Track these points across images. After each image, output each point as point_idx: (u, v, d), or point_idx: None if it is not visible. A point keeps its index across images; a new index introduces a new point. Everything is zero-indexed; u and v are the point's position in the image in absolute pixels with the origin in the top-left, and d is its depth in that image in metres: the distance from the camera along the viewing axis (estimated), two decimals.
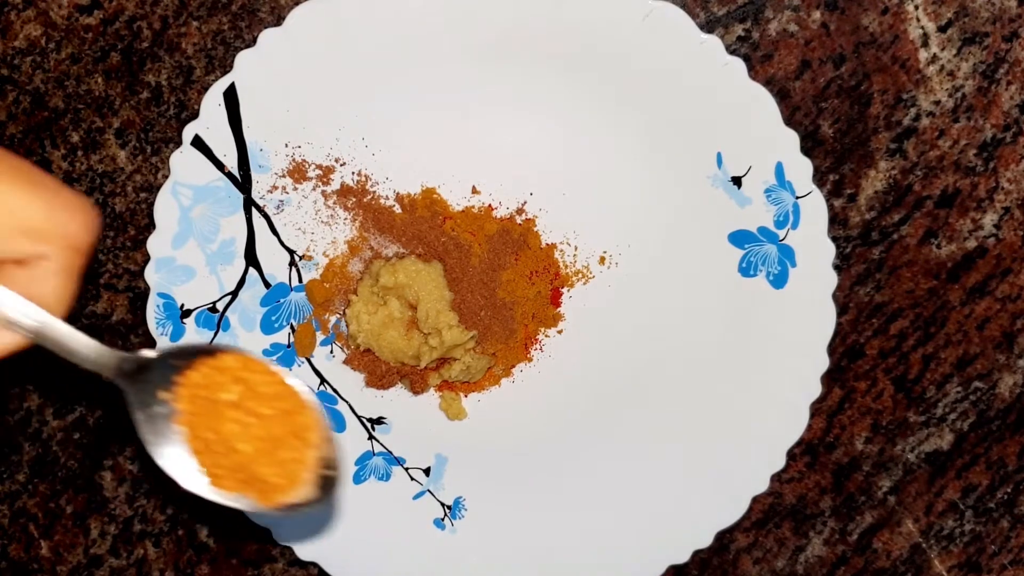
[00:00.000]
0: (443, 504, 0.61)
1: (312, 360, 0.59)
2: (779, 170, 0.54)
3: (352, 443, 0.60)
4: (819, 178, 0.57)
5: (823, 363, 0.57)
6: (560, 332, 0.59)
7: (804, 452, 0.62)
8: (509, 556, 0.61)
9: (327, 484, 0.38)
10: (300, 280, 0.58)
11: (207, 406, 0.37)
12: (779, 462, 0.58)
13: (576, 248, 0.58)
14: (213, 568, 0.64)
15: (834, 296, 0.56)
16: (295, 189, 0.57)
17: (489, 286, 0.57)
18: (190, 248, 0.56)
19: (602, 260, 0.58)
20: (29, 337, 0.33)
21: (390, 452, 0.61)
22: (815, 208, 0.55)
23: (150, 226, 0.57)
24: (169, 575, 0.64)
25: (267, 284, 0.58)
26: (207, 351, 0.37)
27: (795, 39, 0.56)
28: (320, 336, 0.59)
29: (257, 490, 0.38)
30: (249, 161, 0.55)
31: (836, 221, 0.58)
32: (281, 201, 0.57)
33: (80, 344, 0.34)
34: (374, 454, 0.60)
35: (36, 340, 0.33)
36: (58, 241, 0.31)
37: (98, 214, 0.32)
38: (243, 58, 0.53)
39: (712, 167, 0.56)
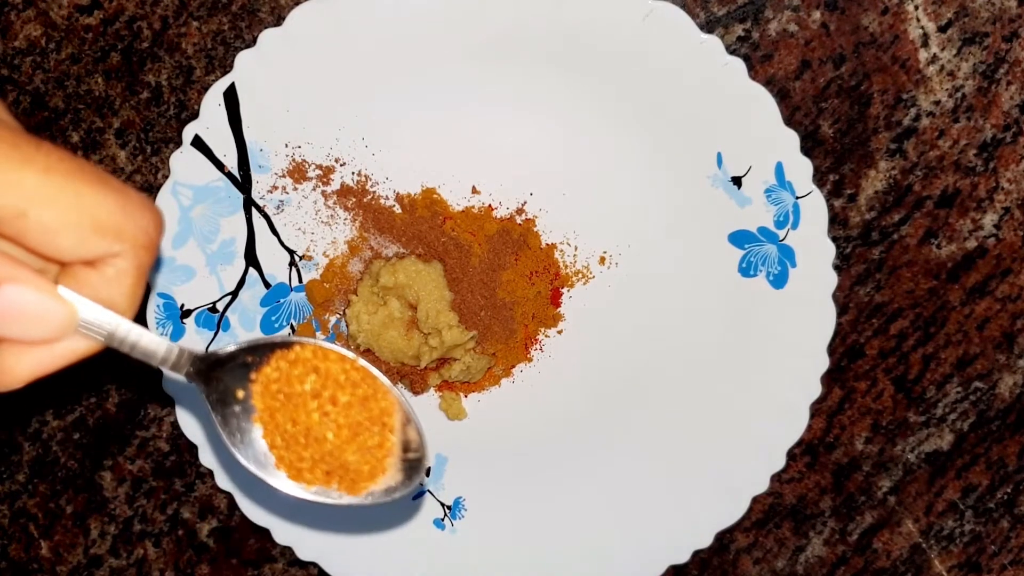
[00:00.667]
0: (443, 504, 0.61)
1: None
2: (779, 170, 0.54)
3: None
4: (819, 178, 0.57)
5: (823, 363, 0.57)
6: (560, 332, 0.59)
7: (804, 452, 0.62)
8: (509, 556, 0.61)
9: (412, 467, 0.38)
10: (300, 280, 0.58)
11: (284, 399, 0.37)
12: (779, 462, 0.58)
13: (576, 248, 0.58)
14: (213, 568, 0.64)
15: (834, 296, 0.56)
16: (295, 189, 0.57)
17: (489, 286, 0.57)
18: (190, 248, 0.56)
19: (602, 260, 0.58)
20: (102, 341, 0.32)
21: None
22: (815, 208, 0.55)
23: None
24: (169, 575, 0.64)
25: (267, 284, 0.58)
26: (280, 344, 0.36)
27: (795, 39, 0.56)
28: (320, 336, 0.59)
29: (342, 480, 0.38)
30: (249, 161, 0.55)
31: (836, 221, 0.58)
32: (281, 201, 0.57)
33: (155, 345, 0.33)
34: None
35: (109, 344, 0.32)
36: (131, 239, 0.30)
37: (162, 213, 0.32)
38: (243, 58, 0.53)
39: (712, 167, 0.56)
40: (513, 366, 0.60)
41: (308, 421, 0.37)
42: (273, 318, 0.58)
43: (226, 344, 0.36)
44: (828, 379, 0.59)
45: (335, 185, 0.57)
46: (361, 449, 0.38)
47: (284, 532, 0.59)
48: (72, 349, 0.32)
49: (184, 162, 0.54)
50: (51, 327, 0.30)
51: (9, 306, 0.29)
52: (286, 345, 0.37)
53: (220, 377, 0.36)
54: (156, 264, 0.55)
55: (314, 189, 0.57)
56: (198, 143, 0.54)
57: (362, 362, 0.38)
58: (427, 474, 0.61)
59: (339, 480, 0.38)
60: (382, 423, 0.38)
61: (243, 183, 0.56)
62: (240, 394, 0.36)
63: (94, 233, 0.30)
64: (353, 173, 0.57)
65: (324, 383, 0.37)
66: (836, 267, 0.57)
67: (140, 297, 0.33)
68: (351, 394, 0.37)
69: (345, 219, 0.57)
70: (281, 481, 0.37)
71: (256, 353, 0.36)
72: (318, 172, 0.56)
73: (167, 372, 0.34)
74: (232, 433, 0.36)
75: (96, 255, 0.30)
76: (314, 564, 0.62)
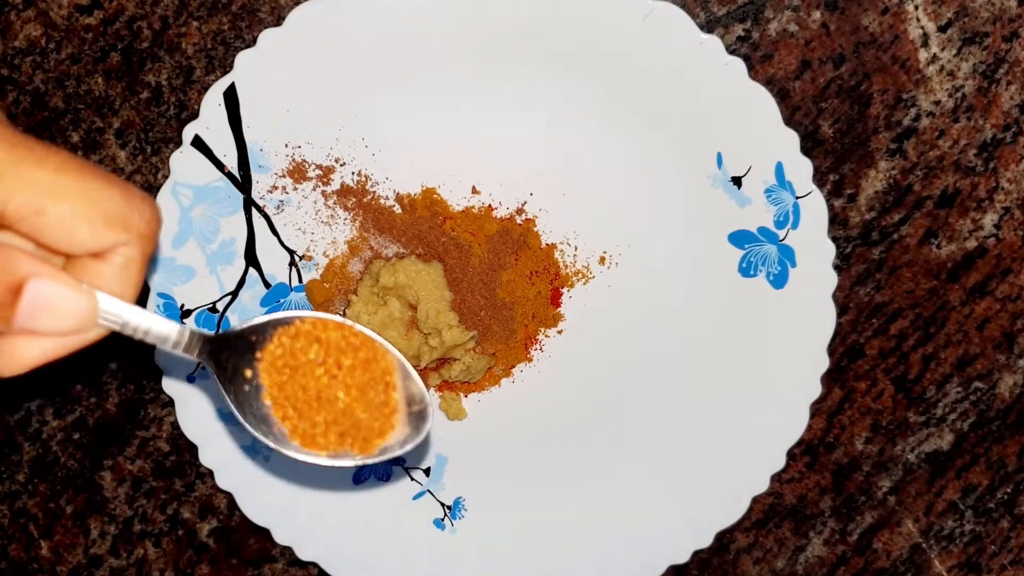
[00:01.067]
0: (443, 504, 0.61)
1: None
2: (779, 170, 0.54)
3: None
4: (819, 178, 0.57)
5: (823, 363, 0.57)
6: (560, 332, 0.59)
7: (804, 452, 0.62)
8: (509, 556, 0.61)
9: (418, 418, 0.40)
10: (300, 280, 0.58)
11: (291, 372, 0.38)
12: (779, 462, 0.58)
13: (576, 248, 0.58)
14: (213, 568, 0.64)
15: (834, 296, 0.56)
16: (295, 189, 0.57)
17: (489, 286, 0.57)
18: (190, 248, 0.56)
19: (602, 260, 0.58)
20: (116, 329, 0.33)
21: None
22: (815, 208, 0.55)
23: None
24: (169, 575, 0.64)
25: (267, 284, 0.58)
26: (281, 321, 0.38)
27: (795, 39, 0.56)
28: None
29: (354, 439, 0.39)
30: (249, 161, 0.55)
31: (836, 221, 0.58)
32: (281, 201, 0.57)
33: (168, 329, 0.35)
34: None
35: (122, 331, 0.34)
36: (136, 229, 0.32)
37: (159, 205, 0.33)
38: (243, 58, 0.53)
39: (712, 167, 0.56)
40: (513, 366, 0.60)
41: (318, 385, 0.38)
42: None
43: (239, 324, 0.38)
44: (828, 379, 0.59)
45: (335, 185, 0.57)
46: (369, 407, 0.39)
47: (284, 532, 0.59)
48: (83, 337, 0.33)
49: (184, 162, 0.54)
50: (77, 319, 0.32)
51: (36, 300, 0.31)
52: (287, 322, 0.38)
53: (229, 357, 0.38)
54: (153, 263, 0.55)
55: (314, 189, 0.57)
56: (198, 143, 0.54)
57: (359, 327, 0.39)
58: (427, 474, 0.61)
59: (352, 440, 0.39)
60: (385, 382, 0.39)
61: (243, 183, 0.56)
62: (248, 373, 0.38)
63: (105, 224, 0.31)
64: (353, 173, 0.57)
65: (327, 351, 0.39)
66: (836, 267, 0.57)
67: (142, 283, 0.34)
68: (353, 357, 0.39)
69: (345, 219, 0.57)
70: (296, 451, 0.39)
71: (259, 332, 0.38)
72: (318, 172, 0.56)
73: (179, 354, 0.36)
74: (244, 410, 0.38)
75: (105, 246, 0.32)
76: (314, 564, 0.62)
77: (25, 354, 0.32)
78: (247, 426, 0.38)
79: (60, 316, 0.31)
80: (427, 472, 0.61)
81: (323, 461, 0.39)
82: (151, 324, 0.34)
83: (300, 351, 0.39)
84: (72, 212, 0.31)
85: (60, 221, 0.31)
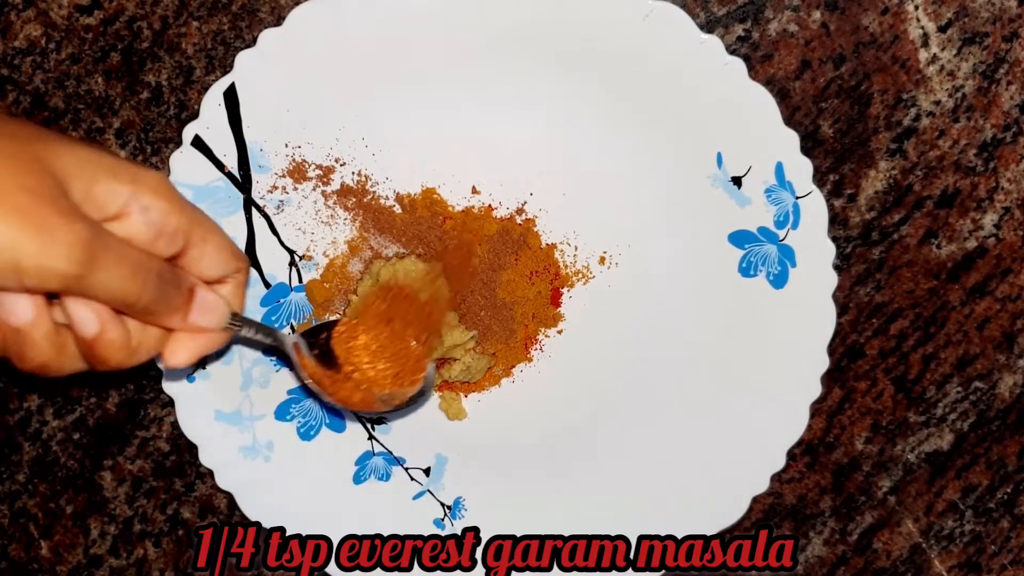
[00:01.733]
0: (443, 504, 0.61)
1: None
2: (779, 170, 0.54)
3: (352, 443, 0.60)
4: (819, 178, 0.57)
5: (823, 363, 0.57)
6: (560, 332, 0.59)
7: (804, 452, 0.62)
8: (509, 555, 0.61)
9: (424, 383, 0.54)
10: (300, 280, 0.58)
11: (347, 351, 0.52)
12: (779, 462, 0.58)
13: (576, 248, 0.58)
14: (213, 568, 0.64)
15: (834, 296, 0.56)
16: (295, 189, 0.57)
17: (489, 286, 0.58)
18: None
19: (602, 260, 0.58)
20: (238, 331, 0.45)
21: (390, 452, 0.61)
22: (815, 208, 0.55)
23: None
24: (169, 575, 0.64)
25: (267, 284, 0.58)
26: (327, 325, 0.53)
27: (795, 39, 0.56)
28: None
29: (393, 387, 0.52)
30: (249, 161, 0.55)
31: (836, 221, 0.58)
32: (281, 201, 0.57)
33: (270, 331, 0.48)
34: (374, 454, 0.60)
35: (240, 332, 0.45)
36: (245, 260, 0.45)
37: None
38: (243, 58, 0.53)
39: (712, 167, 0.56)
40: (513, 366, 0.60)
41: (359, 360, 0.52)
42: (273, 318, 0.58)
43: (306, 329, 0.53)
44: (828, 379, 0.59)
45: (335, 185, 0.57)
46: (398, 365, 0.53)
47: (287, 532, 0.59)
48: (217, 339, 0.43)
49: (184, 162, 0.54)
50: (223, 319, 0.43)
51: (202, 302, 0.42)
52: (330, 326, 0.53)
53: (312, 344, 0.52)
54: None
55: (314, 189, 0.57)
56: (198, 143, 0.54)
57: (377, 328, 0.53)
58: (427, 474, 0.61)
59: (391, 389, 0.53)
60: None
61: (243, 183, 0.56)
62: (315, 353, 0.52)
63: (234, 256, 0.43)
64: (353, 173, 0.57)
65: (363, 342, 0.53)
66: (836, 267, 0.57)
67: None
68: (376, 341, 0.53)
69: (345, 219, 0.57)
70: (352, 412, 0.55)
71: (314, 335, 0.52)
72: (318, 172, 0.56)
73: (285, 345, 0.50)
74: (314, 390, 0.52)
75: (228, 272, 0.43)
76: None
77: (186, 349, 0.42)
78: (324, 398, 0.52)
79: (215, 315, 0.42)
80: (427, 472, 0.61)
81: (369, 412, 0.55)
82: (259, 328, 0.47)
83: (345, 341, 0.52)
84: (222, 244, 0.43)
85: (215, 249, 0.42)
